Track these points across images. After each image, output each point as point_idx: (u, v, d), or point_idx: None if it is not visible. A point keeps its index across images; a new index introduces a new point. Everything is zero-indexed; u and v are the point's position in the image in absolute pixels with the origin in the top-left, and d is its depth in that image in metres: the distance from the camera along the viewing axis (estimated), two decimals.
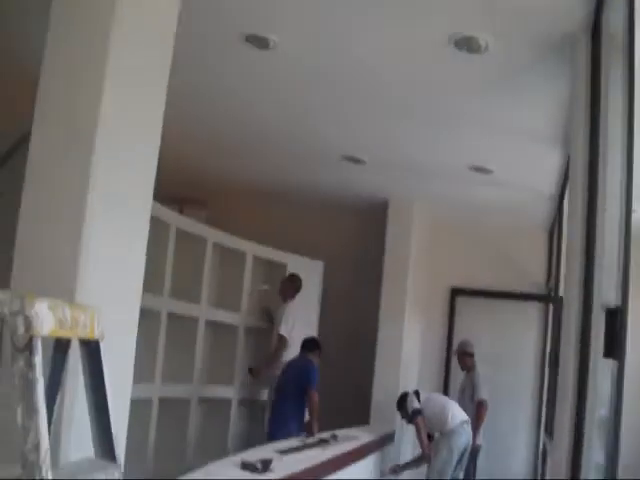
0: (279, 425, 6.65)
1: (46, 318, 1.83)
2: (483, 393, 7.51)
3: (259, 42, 4.59)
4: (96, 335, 2.14)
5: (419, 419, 6.96)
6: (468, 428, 6.95)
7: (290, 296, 7.64)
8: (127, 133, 2.71)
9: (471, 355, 7.83)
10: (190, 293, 6.78)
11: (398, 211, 8.40)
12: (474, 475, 7.50)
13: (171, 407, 6.59)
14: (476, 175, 6.81)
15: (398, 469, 7.31)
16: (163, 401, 6.41)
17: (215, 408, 7.37)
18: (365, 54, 4.67)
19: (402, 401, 7.24)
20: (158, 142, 2.92)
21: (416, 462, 7.35)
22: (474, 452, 7.33)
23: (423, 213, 8.57)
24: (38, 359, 1.76)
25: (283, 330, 7.36)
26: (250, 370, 7.53)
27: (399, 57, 4.65)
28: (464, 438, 6.88)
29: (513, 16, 3.87)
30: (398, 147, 6.49)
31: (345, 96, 5.45)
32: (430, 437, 7.09)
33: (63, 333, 1.95)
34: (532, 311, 8.77)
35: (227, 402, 7.44)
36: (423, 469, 7.30)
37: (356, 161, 6.98)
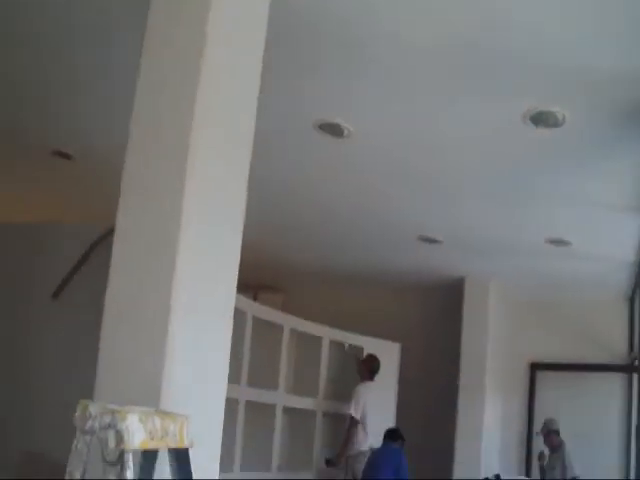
0: None
1: (137, 431, 1.84)
2: (577, 469, 7.37)
3: (333, 130, 4.71)
4: (186, 444, 2.14)
5: None
6: None
7: (366, 377, 7.57)
8: (211, 225, 2.74)
9: (557, 433, 7.61)
10: (267, 380, 6.79)
11: (474, 288, 8.33)
12: None
13: None
14: (553, 248, 6.71)
15: None
16: None
17: None
18: (440, 138, 4.72)
19: None
20: (240, 232, 2.93)
21: None
22: None
23: (500, 289, 8.46)
24: (130, 474, 1.77)
25: (353, 410, 7.30)
26: (327, 462, 7.45)
27: (475, 137, 4.68)
28: None
29: (590, 87, 3.83)
30: (474, 225, 6.47)
31: (421, 178, 5.49)
32: None
33: (154, 445, 1.96)
34: (615, 382, 8.42)
35: None
36: None
37: (432, 241, 6.97)
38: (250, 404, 6.47)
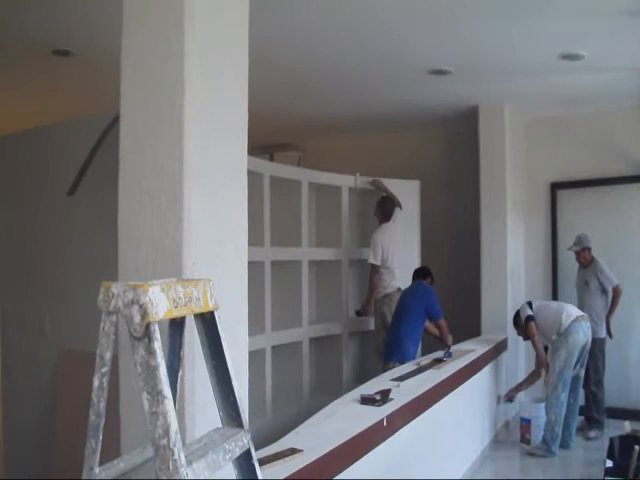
0: (396, 350, 6.75)
1: (160, 302, 1.86)
2: (614, 279, 7.51)
3: None
4: (211, 307, 2.16)
5: (531, 325, 6.92)
6: (585, 324, 6.85)
7: (382, 219, 7.63)
8: (215, 93, 2.68)
9: (590, 249, 7.69)
10: (290, 237, 6.85)
11: (489, 115, 8.18)
12: (603, 368, 7.46)
13: (284, 351, 6.75)
14: (567, 63, 6.49)
15: (513, 394, 7.30)
16: (276, 348, 6.56)
17: (326, 346, 7.50)
18: None
19: (517, 317, 7.22)
20: (246, 92, 2.88)
21: (529, 380, 7.30)
22: (600, 345, 7.35)
23: (515, 112, 8.32)
24: (158, 345, 1.79)
25: (372, 258, 7.39)
26: (357, 313, 7.68)
27: None
28: (581, 335, 6.78)
29: None
30: (482, 50, 6.23)
31: (423, 7, 5.26)
32: (545, 349, 7.03)
33: (178, 312, 1.97)
34: (637, 193, 8.31)
35: (338, 337, 7.56)
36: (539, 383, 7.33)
37: (442, 73, 6.79)
38: (276, 263, 6.56)
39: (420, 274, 7.22)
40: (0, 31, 5.31)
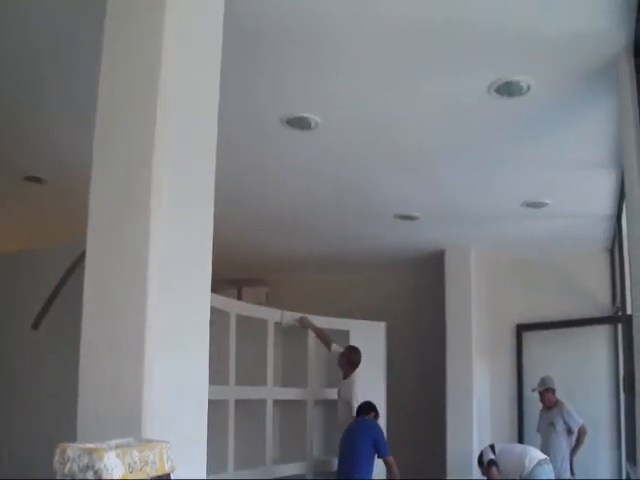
0: None
1: (115, 468, 1.81)
2: (579, 419, 7.55)
3: (300, 123, 4.74)
4: (166, 469, 2.11)
5: (492, 470, 6.87)
6: (548, 467, 6.82)
7: (350, 369, 7.27)
8: (181, 232, 2.70)
9: (553, 391, 7.74)
10: (255, 376, 6.77)
11: (455, 258, 8.40)
12: None
13: None
14: (531, 211, 6.75)
15: None
16: None
17: None
18: (408, 111, 4.69)
19: (481, 457, 7.18)
20: (211, 221, 2.87)
21: None
22: None
23: (481, 255, 8.52)
24: None
25: (355, 403, 7.03)
26: None
27: (441, 111, 4.67)
28: (544, 478, 6.73)
29: (551, 52, 3.85)
30: (449, 198, 6.48)
31: (392, 157, 5.47)
32: None
33: (133, 477, 1.93)
34: (601, 335, 8.47)
35: (301, 478, 7.34)
36: None
37: (409, 218, 6.99)
38: (240, 402, 6.45)
39: (363, 409, 6.90)
40: None
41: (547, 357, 8.55)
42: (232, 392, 6.28)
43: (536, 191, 6.30)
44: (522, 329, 8.80)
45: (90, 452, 1.80)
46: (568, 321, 8.42)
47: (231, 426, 6.27)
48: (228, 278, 9.00)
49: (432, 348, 8.71)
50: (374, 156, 5.44)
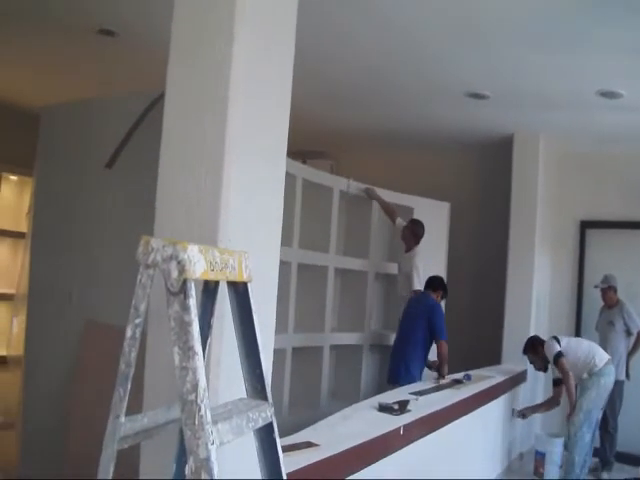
0: (400, 370, 6.59)
1: (198, 262, 1.86)
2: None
3: None
4: (244, 278, 2.17)
5: (563, 361, 6.58)
6: (612, 368, 6.70)
7: (413, 243, 7.30)
8: (259, 87, 2.69)
9: (615, 290, 7.63)
10: (319, 243, 6.83)
11: (524, 145, 8.15)
12: (619, 410, 7.37)
13: (304, 355, 6.71)
14: (605, 101, 6.48)
15: (527, 412, 7.22)
16: (296, 350, 6.53)
17: (346, 355, 7.45)
18: None
19: (530, 345, 7.00)
20: (290, 80, 2.90)
21: (546, 405, 7.21)
22: (619, 387, 7.22)
23: (550, 145, 8.26)
24: (193, 302, 1.79)
25: (417, 285, 7.08)
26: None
27: None
28: (612, 378, 6.67)
29: None
30: (522, 79, 6.24)
31: (465, 32, 5.27)
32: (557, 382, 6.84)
33: (214, 276, 1.98)
34: None
35: (358, 348, 7.49)
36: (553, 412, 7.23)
37: (480, 97, 6.79)
38: (302, 267, 6.54)
39: (431, 285, 6.83)
40: (48, 11, 5.40)
41: (609, 257, 8.40)
42: (295, 255, 6.35)
43: (612, 80, 6.03)
44: (586, 226, 8.64)
45: (174, 244, 1.84)
46: (634, 222, 8.25)
47: (292, 289, 6.38)
48: (293, 149, 8.98)
49: (494, 235, 8.60)
50: (446, 29, 5.24)
